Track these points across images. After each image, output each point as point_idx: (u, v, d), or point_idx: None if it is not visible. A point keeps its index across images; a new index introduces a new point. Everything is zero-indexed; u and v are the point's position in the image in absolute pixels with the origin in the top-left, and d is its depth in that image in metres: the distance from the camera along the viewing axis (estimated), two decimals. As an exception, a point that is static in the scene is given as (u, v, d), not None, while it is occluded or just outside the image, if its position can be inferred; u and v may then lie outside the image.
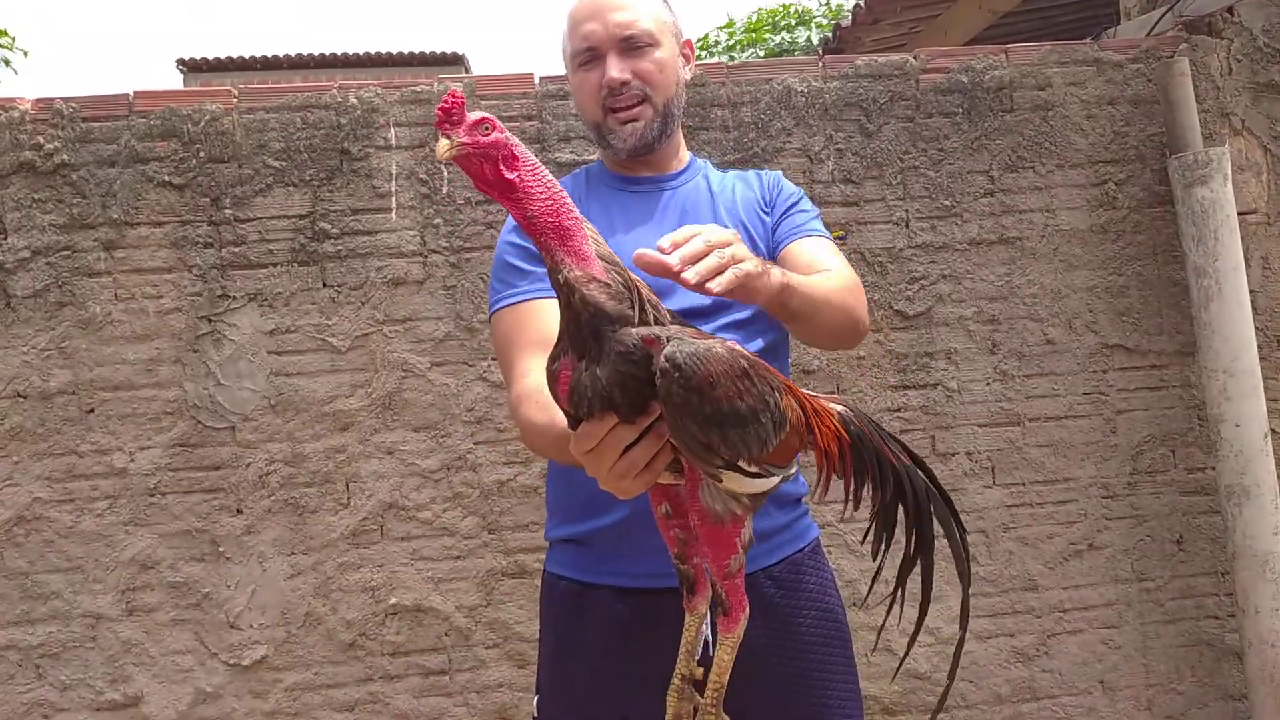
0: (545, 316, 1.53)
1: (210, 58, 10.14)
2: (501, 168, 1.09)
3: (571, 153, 2.51)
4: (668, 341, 1.07)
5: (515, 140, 1.11)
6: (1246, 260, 2.53)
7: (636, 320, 1.11)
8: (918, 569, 1.35)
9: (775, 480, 1.18)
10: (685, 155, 1.70)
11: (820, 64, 2.60)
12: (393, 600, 2.41)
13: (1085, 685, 2.52)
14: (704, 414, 1.06)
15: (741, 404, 1.08)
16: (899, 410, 2.52)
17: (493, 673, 2.43)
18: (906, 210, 2.57)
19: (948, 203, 2.57)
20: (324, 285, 2.45)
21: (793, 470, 1.22)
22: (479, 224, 2.48)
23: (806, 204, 1.70)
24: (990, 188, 2.59)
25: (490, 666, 2.43)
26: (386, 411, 2.44)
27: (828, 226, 2.40)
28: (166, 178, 2.43)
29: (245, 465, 2.40)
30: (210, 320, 2.43)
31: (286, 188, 2.45)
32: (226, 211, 2.44)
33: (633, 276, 1.13)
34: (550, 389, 1.18)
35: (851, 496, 1.27)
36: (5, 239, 2.39)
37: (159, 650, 2.37)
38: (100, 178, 2.42)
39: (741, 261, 1.21)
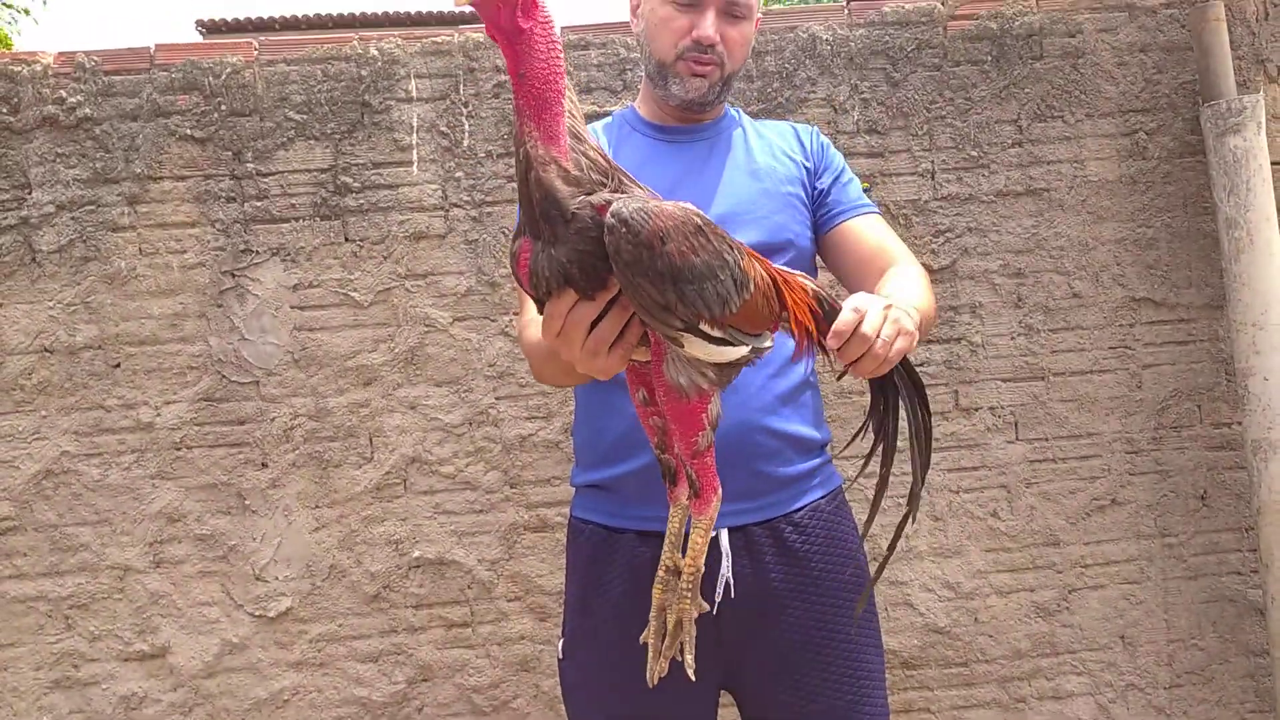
0: None
1: (229, 19, 10.15)
2: (519, 13, 1.03)
3: (593, 103, 2.48)
4: (621, 199, 1.05)
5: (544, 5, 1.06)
6: (1279, 212, 2.48)
7: (620, 186, 1.09)
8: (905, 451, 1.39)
9: (743, 350, 1.15)
10: (721, 106, 1.71)
11: (846, 11, 2.55)
12: (416, 553, 2.43)
13: (1106, 640, 2.51)
14: (656, 269, 1.03)
15: (696, 259, 1.05)
16: (922, 365, 2.50)
17: (514, 625, 2.45)
18: (932, 161, 2.53)
19: (974, 153, 2.53)
20: (346, 240, 2.45)
21: (767, 344, 1.20)
22: (500, 178, 2.47)
23: (847, 169, 1.73)
24: (1018, 138, 2.55)
25: (512, 619, 2.45)
26: (409, 366, 2.45)
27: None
28: (188, 131, 2.43)
29: (270, 419, 2.42)
30: (234, 275, 2.43)
31: (308, 141, 2.45)
32: (248, 165, 2.43)
33: (612, 162, 1.11)
34: (513, 273, 1.17)
35: (833, 368, 1.28)
36: (29, 194, 2.40)
37: (186, 602, 2.40)
38: (123, 131, 2.42)
39: (899, 337, 1.25)
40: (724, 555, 1.49)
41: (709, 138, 1.66)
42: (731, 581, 1.49)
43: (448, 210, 2.47)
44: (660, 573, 1.25)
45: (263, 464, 2.42)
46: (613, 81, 2.50)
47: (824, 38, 2.53)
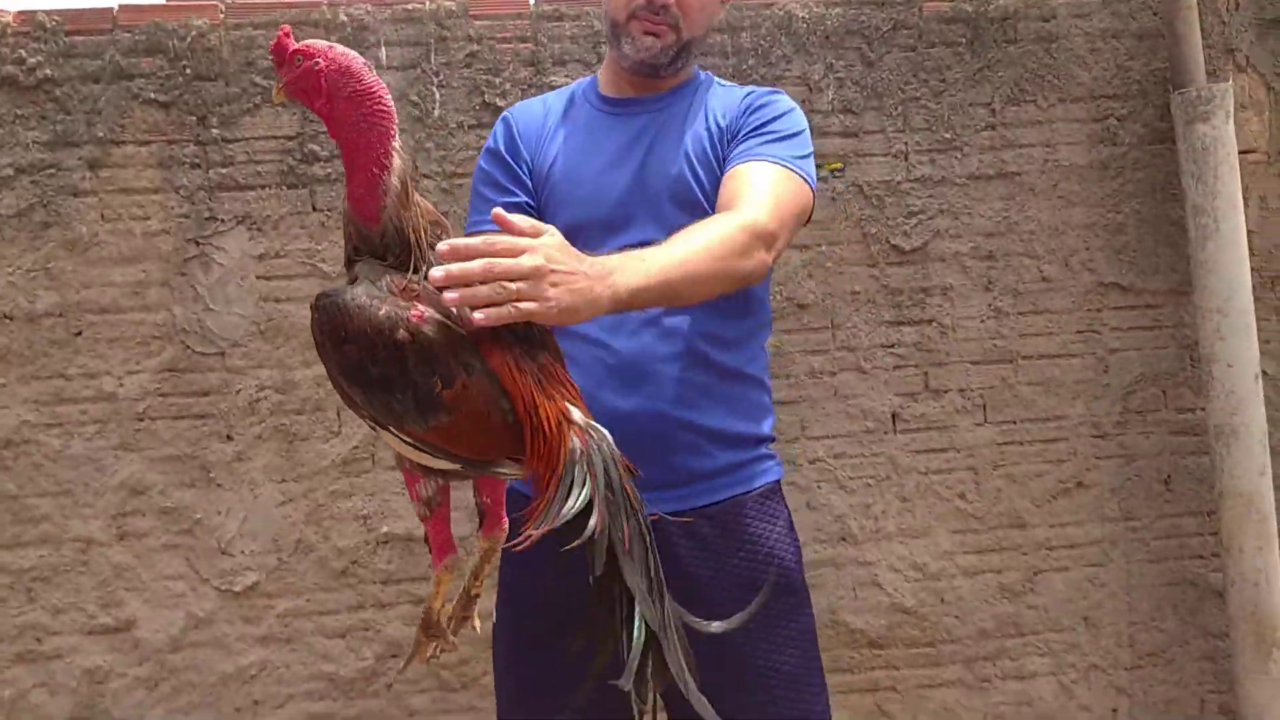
0: None
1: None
2: (311, 95, 1.11)
3: (567, 75, 2.45)
4: (350, 285, 1.08)
5: (339, 63, 1.10)
6: (1245, 199, 2.51)
7: (411, 264, 1.11)
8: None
9: (449, 465, 1.13)
10: (686, 74, 1.66)
11: (823, -10, 2.54)
12: (384, 529, 2.41)
13: (1069, 622, 2.54)
14: (333, 361, 1.08)
15: (373, 369, 1.05)
16: (892, 346, 2.51)
17: (483, 602, 2.38)
18: (906, 143, 2.53)
19: (947, 135, 2.54)
20: (314, 209, 2.41)
21: (506, 470, 1.16)
22: (471, 149, 2.44)
23: (785, 124, 1.56)
24: (991, 121, 2.56)
25: (480, 596, 2.43)
26: (378, 339, 2.41)
27: (823, 159, 2.36)
28: (152, 95, 2.37)
29: (235, 391, 2.38)
30: (198, 243, 2.39)
31: (275, 108, 2.40)
32: (213, 131, 2.38)
33: (414, 224, 1.12)
34: None
35: (536, 528, 1.12)
36: (-13, 156, 2.33)
37: (150, 575, 2.36)
38: (84, 94, 2.36)
39: (534, 300, 1.09)
40: None
41: (658, 109, 1.61)
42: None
43: (417, 182, 2.42)
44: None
45: (228, 436, 2.38)
46: (587, 54, 2.48)
47: (800, 16, 2.52)
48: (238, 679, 2.37)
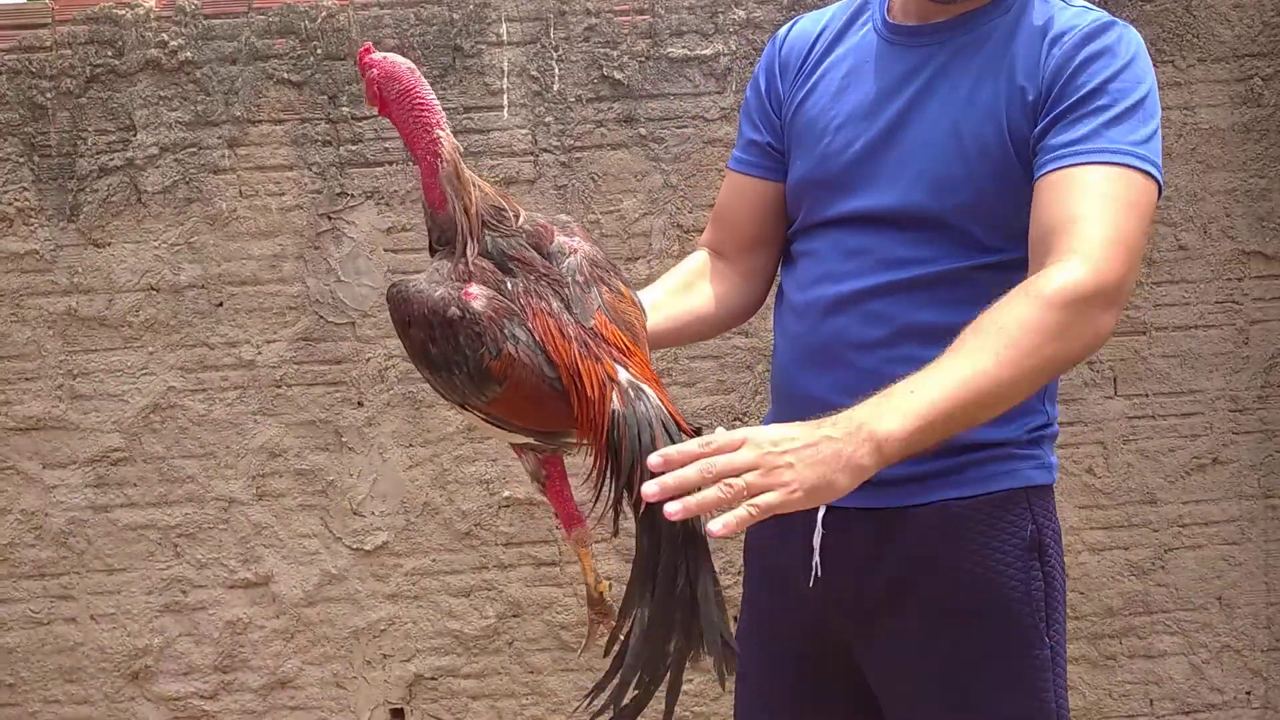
0: (728, 190, 1.48)
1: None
2: (374, 103, 1.20)
3: (684, 48, 2.46)
4: (425, 273, 1.14)
5: (385, 70, 1.16)
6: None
7: (459, 247, 1.14)
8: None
9: (522, 439, 1.18)
10: None
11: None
12: (505, 493, 2.48)
13: (1202, 601, 2.46)
14: (406, 347, 1.14)
15: (434, 349, 1.10)
16: (1018, 316, 2.45)
17: (601, 566, 2.47)
18: (1035, 107, 2.46)
19: (1079, 99, 2.45)
20: (439, 183, 2.47)
21: (574, 441, 1.16)
22: (589, 122, 2.46)
23: (1120, 87, 1.17)
24: (1125, 83, 2.46)
25: (599, 560, 2.48)
26: (499, 309, 2.47)
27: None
28: (285, 75, 2.46)
29: (365, 360, 2.47)
30: (330, 218, 2.48)
31: (401, 86, 2.46)
32: (343, 109, 2.46)
33: (465, 205, 1.14)
34: None
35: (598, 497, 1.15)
36: (135, 136, 2.46)
37: (287, 533, 2.48)
38: (222, 75, 2.46)
39: (770, 489, 0.97)
40: (817, 529, 1.29)
41: (944, 40, 1.26)
42: (818, 562, 1.30)
43: (537, 155, 2.47)
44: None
45: (359, 403, 2.48)
46: (704, 24, 2.47)
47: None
48: (368, 633, 2.48)
